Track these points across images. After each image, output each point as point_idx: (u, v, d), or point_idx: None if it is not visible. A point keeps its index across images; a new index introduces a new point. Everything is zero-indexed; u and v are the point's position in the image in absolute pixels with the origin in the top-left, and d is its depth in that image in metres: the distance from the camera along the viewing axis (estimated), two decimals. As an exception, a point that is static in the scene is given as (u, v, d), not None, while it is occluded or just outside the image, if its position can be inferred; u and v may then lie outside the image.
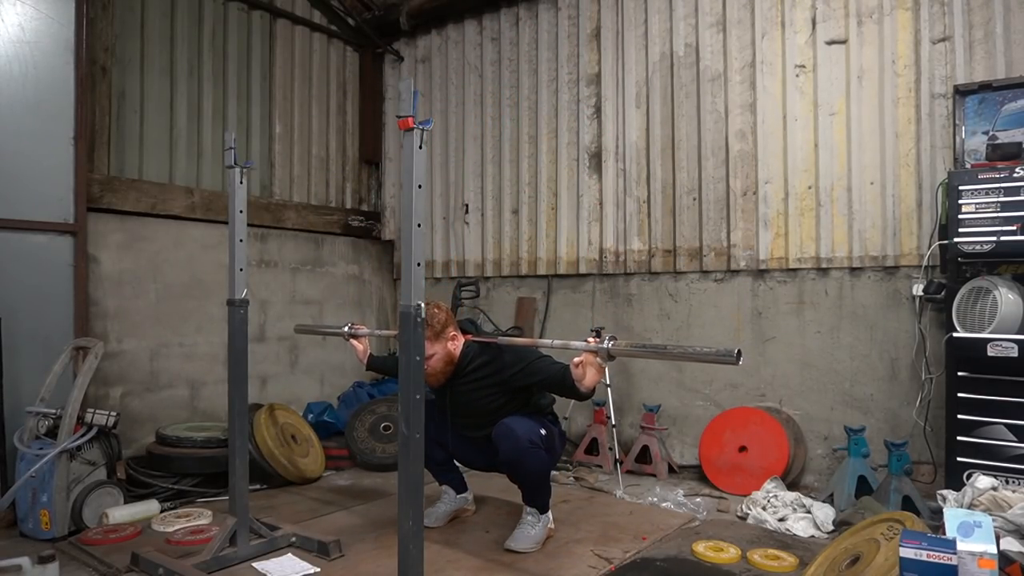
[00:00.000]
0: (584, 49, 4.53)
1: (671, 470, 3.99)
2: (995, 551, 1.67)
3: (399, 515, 1.82)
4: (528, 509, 2.79)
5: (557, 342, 2.41)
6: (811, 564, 2.31)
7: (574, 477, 3.86)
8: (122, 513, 2.96)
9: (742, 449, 3.64)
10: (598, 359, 2.21)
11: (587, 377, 2.29)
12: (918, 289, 3.37)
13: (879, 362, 3.56)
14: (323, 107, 5.21)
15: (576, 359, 2.30)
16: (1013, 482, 2.71)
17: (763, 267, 3.87)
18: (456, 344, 2.73)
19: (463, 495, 3.11)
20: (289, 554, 2.66)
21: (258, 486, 3.55)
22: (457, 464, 3.11)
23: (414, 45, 5.43)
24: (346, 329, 3.12)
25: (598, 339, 2.16)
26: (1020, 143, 3.04)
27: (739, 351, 1.85)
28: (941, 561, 1.67)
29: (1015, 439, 2.78)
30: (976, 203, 2.88)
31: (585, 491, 3.61)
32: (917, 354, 3.42)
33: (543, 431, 2.70)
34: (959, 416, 2.92)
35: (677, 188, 4.16)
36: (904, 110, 3.49)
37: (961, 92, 3.25)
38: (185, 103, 4.28)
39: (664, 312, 4.23)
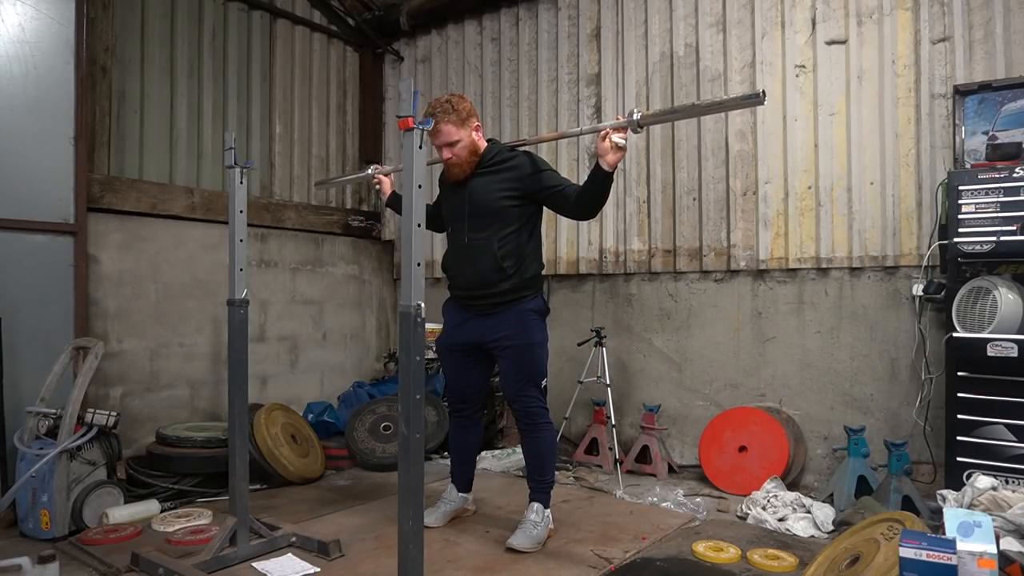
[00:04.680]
0: (584, 49, 4.53)
1: (671, 470, 3.99)
2: (995, 551, 1.67)
3: (399, 515, 1.82)
4: (533, 507, 2.80)
5: (587, 126, 2.52)
6: (811, 564, 2.31)
7: (574, 477, 3.86)
8: (122, 513, 2.96)
9: (742, 449, 3.64)
10: (626, 132, 2.35)
11: (611, 152, 2.39)
12: (918, 289, 3.37)
13: (879, 362, 3.56)
14: (323, 107, 5.21)
15: (602, 131, 2.40)
16: (1013, 482, 2.72)
17: (763, 267, 3.87)
18: (479, 136, 2.80)
19: (464, 495, 3.11)
20: (289, 554, 2.66)
21: (258, 486, 3.55)
22: (475, 457, 3.17)
23: (414, 45, 5.43)
24: (370, 170, 3.31)
25: (625, 115, 2.36)
26: (1020, 143, 3.04)
27: (764, 91, 2.06)
28: (941, 561, 1.67)
29: (1015, 439, 2.78)
30: (976, 203, 2.88)
31: (585, 491, 3.61)
32: (917, 354, 3.42)
33: (543, 381, 2.82)
34: (959, 416, 2.92)
35: (677, 188, 4.16)
36: (904, 110, 3.49)
37: (961, 92, 3.25)
38: (185, 103, 4.28)
39: (664, 312, 4.23)
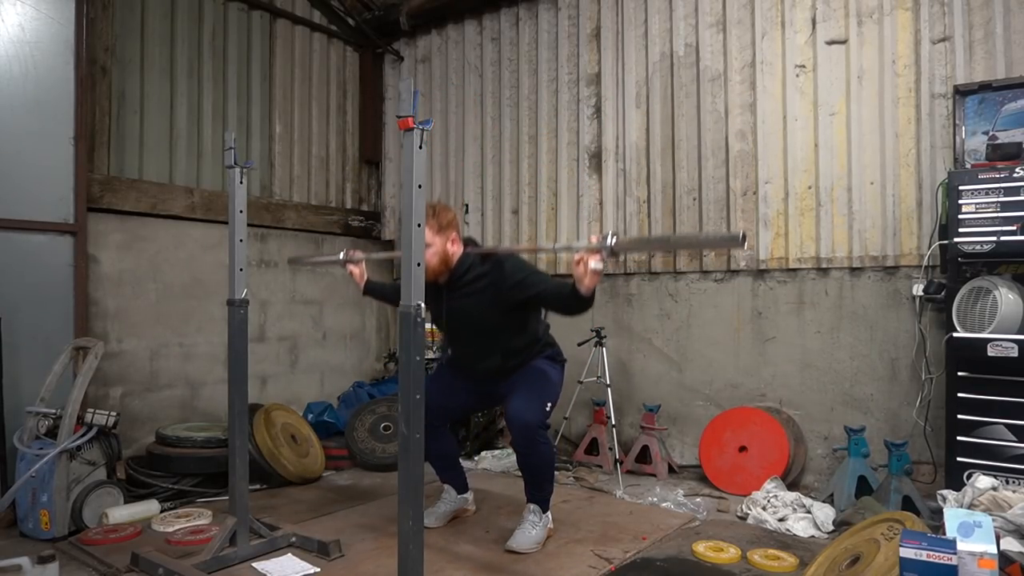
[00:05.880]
0: (584, 49, 4.53)
1: (671, 470, 3.99)
2: (995, 551, 1.67)
3: (399, 515, 1.82)
4: (531, 507, 2.79)
5: (559, 244, 2.37)
6: (811, 564, 2.31)
7: (574, 477, 3.86)
8: (122, 513, 2.96)
9: (742, 449, 3.64)
10: (600, 256, 2.15)
11: (587, 277, 2.25)
12: (918, 289, 3.37)
13: (879, 362, 3.56)
14: (323, 107, 5.21)
15: (577, 256, 2.26)
16: (1013, 482, 2.71)
17: (763, 267, 3.87)
18: (455, 248, 2.71)
19: (463, 495, 3.11)
20: (289, 554, 2.66)
21: (258, 486, 3.55)
22: (458, 461, 3.15)
23: (414, 45, 5.43)
24: (341, 256, 3.10)
25: (599, 238, 2.12)
26: (1020, 143, 3.04)
27: (744, 234, 1.84)
28: (941, 561, 1.67)
29: (1015, 439, 2.78)
30: (976, 203, 2.88)
31: (585, 491, 3.61)
32: (917, 354, 3.42)
33: (548, 405, 2.72)
34: (959, 416, 2.92)
35: (677, 188, 4.16)
36: (904, 110, 3.49)
37: (961, 92, 3.25)
38: (185, 103, 4.28)
39: (664, 312, 4.23)
